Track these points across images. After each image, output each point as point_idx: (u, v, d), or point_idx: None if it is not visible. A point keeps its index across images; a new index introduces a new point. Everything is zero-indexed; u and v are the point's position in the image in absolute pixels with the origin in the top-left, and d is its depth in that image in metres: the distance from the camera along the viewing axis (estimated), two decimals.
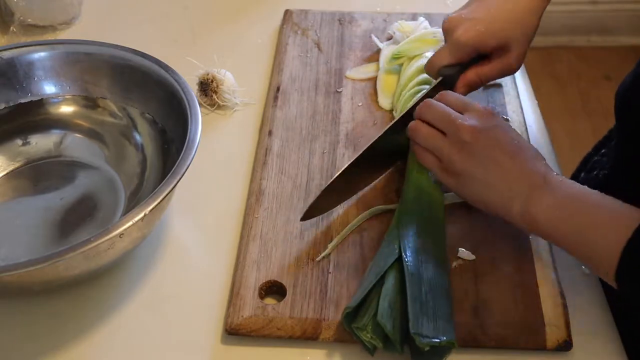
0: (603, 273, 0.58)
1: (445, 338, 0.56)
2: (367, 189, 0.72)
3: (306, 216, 0.67)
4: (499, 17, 0.71)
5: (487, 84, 0.77)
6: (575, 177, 0.89)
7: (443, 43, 0.85)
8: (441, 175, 0.65)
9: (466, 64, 0.73)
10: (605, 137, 0.88)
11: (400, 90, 0.80)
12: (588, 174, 0.85)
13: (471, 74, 0.73)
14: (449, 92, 0.69)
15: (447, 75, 0.73)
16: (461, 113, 0.65)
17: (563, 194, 0.60)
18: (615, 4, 2.34)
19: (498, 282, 0.63)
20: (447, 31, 0.73)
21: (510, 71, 0.74)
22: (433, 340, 0.55)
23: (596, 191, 0.60)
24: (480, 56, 0.73)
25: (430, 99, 0.68)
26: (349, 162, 0.68)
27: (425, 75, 0.78)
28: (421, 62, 0.80)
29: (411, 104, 0.73)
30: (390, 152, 0.72)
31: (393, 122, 0.71)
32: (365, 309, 0.58)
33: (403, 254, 0.61)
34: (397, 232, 0.64)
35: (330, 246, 0.66)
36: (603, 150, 0.85)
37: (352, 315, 0.58)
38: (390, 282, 0.60)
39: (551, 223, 0.59)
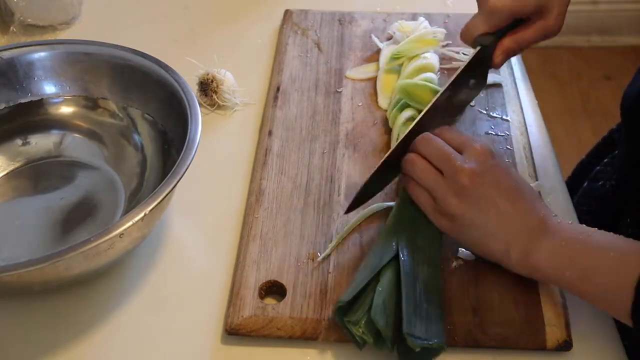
0: (615, 313, 0.57)
1: (436, 341, 0.56)
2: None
3: (351, 208, 0.66)
4: None
5: (525, 49, 0.70)
6: (576, 185, 0.88)
7: (442, 43, 0.86)
8: (434, 215, 0.63)
9: (503, 31, 0.68)
10: (605, 142, 0.88)
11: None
12: (592, 183, 0.83)
13: (509, 42, 0.68)
14: (449, 128, 0.66)
15: (484, 45, 0.68)
16: (459, 151, 0.63)
17: (563, 237, 0.58)
18: (615, 4, 2.34)
19: (498, 282, 0.63)
20: None
21: (551, 34, 0.67)
22: (424, 342, 0.55)
23: (595, 229, 0.58)
24: (517, 21, 0.67)
25: (429, 134, 0.65)
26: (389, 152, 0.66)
27: (424, 75, 0.78)
28: (420, 62, 0.80)
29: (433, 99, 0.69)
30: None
31: (420, 115, 0.67)
32: (360, 304, 0.58)
33: (400, 253, 0.61)
34: (393, 229, 0.64)
35: (330, 246, 0.66)
36: (606, 160, 0.84)
37: (345, 309, 0.58)
38: (385, 280, 0.60)
39: (553, 268, 0.58)
